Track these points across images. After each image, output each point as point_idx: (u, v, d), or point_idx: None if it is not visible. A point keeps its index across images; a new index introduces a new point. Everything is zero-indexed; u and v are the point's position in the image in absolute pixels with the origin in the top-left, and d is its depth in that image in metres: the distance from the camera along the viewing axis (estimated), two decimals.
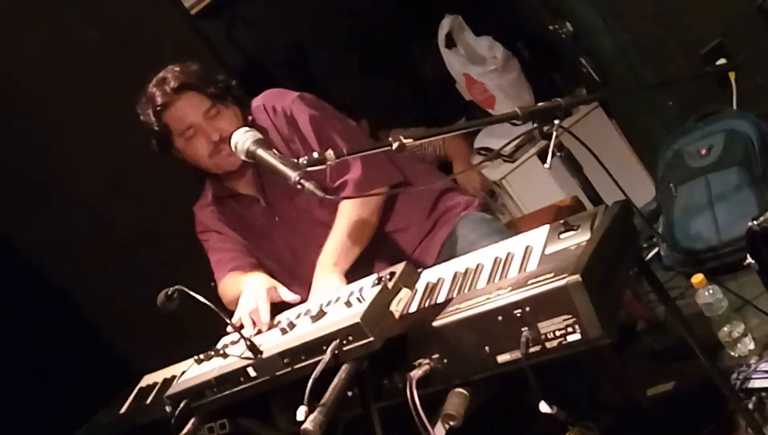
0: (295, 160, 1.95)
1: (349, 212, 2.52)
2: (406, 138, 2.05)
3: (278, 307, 2.32)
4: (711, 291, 2.77)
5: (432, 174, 2.89)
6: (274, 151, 2.03)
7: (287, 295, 2.35)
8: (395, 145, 2.01)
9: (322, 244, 2.53)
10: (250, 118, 2.63)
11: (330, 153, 1.99)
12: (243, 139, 2.05)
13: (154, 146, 2.59)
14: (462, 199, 2.73)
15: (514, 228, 2.85)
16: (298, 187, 1.92)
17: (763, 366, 2.57)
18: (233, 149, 2.07)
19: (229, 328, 2.13)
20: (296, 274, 2.66)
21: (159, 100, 2.51)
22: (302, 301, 2.32)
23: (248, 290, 2.37)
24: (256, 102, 2.68)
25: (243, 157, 2.06)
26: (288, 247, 2.68)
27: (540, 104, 2.12)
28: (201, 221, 2.80)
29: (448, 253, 2.56)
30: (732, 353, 2.72)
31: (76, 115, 3.46)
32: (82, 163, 3.51)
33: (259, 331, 2.19)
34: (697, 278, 2.80)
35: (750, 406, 2.42)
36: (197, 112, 2.51)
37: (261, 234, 2.70)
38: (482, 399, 1.96)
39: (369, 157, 2.46)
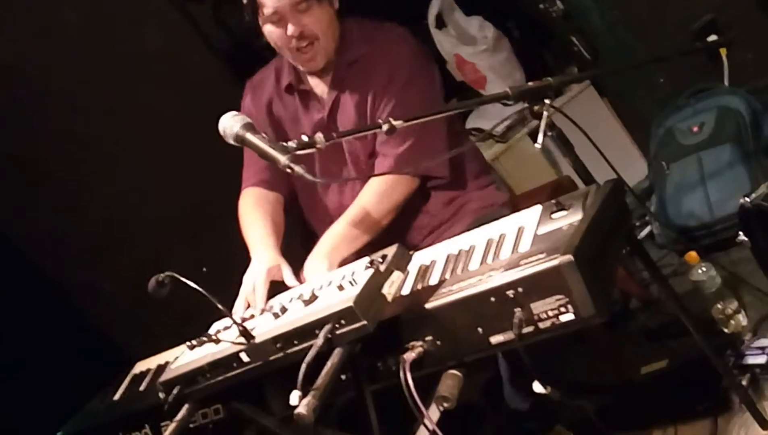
0: (284, 144, 1.95)
1: (368, 199, 2.48)
2: (396, 119, 2.04)
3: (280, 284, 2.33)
4: (704, 268, 2.77)
5: (482, 174, 2.80)
6: (263, 134, 2.01)
7: (288, 277, 2.32)
8: (385, 127, 2.00)
9: (343, 197, 2.55)
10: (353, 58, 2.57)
11: (320, 135, 1.98)
12: (231, 123, 2.03)
13: (247, 15, 2.51)
14: (486, 200, 2.69)
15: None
16: (288, 171, 1.91)
17: (757, 342, 2.57)
18: (222, 133, 2.05)
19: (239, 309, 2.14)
20: (314, 203, 2.69)
21: None
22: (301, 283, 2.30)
23: (250, 270, 2.35)
24: (369, 30, 2.61)
25: (231, 141, 2.04)
26: (318, 173, 2.65)
27: (530, 84, 2.11)
28: (251, 104, 2.73)
29: None
30: (725, 330, 2.73)
31: (59, 100, 3.42)
32: (68, 150, 3.48)
33: (252, 316, 2.18)
34: (690, 256, 2.80)
35: (744, 382, 2.43)
36: (286, 0, 2.42)
37: None
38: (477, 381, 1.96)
39: (423, 138, 2.44)
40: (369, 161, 2.61)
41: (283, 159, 1.92)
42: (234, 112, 2.06)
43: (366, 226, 2.45)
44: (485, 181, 2.75)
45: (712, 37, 3.42)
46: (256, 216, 2.61)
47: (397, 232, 2.59)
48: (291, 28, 2.43)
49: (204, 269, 3.00)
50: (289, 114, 2.68)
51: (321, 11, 2.47)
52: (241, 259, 2.48)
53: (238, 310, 2.24)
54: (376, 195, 2.49)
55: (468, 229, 2.28)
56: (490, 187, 2.75)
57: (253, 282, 2.28)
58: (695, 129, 3.38)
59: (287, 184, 2.72)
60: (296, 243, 2.73)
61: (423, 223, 2.66)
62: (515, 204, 2.70)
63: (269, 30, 2.48)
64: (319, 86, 2.63)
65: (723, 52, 3.39)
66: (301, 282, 2.31)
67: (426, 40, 4.24)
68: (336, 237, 2.42)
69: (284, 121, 2.70)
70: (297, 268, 2.37)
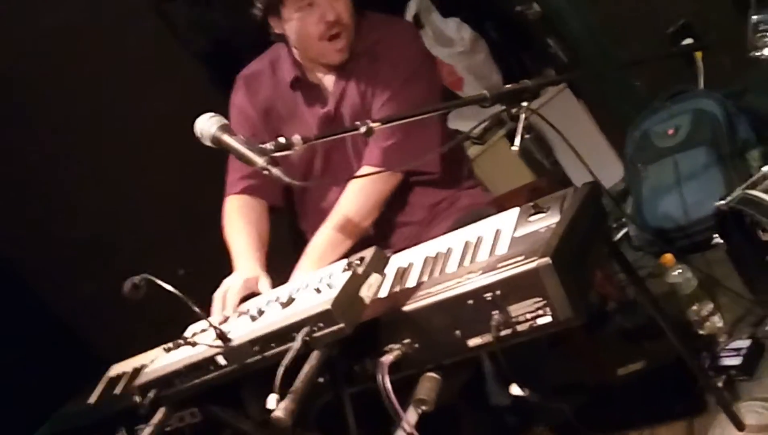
0: (262, 146, 1.93)
1: (349, 201, 2.46)
2: (374, 121, 2.03)
3: None
4: (680, 270, 2.79)
5: (470, 176, 2.79)
6: (239, 136, 1.99)
7: (265, 288, 2.29)
8: (363, 130, 1.99)
9: (331, 196, 2.50)
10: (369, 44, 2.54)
11: (297, 137, 1.97)
12: (207, 125, 1.99)
13: (258, 9, 2.46)
14: (475, 198, 2.68)
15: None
16: (265, 172, 1.90)
17: (732, 344, 2.59)
18: (198, 135, 2.02)
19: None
20: (310, 203, 2.67)
21: None
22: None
23: (228, 280, 2.33)
24: (378, 22, 2.58)
25: (208, 143, 2.01)
26: (320, 168, 2.63)
27: (507, 86, 2.11)
28: (244, 100, 2.67)
29: None
30: (701, 332, 2.74)
31: (37, 103, 3.40)
32: (48, 156, 3.45)
33: (227, 318, 2.17)
34: (666, 258, 2.82)
35: (720, 384, 2.44)
36: None
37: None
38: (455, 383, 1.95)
39: (414, 133, 2.40)
40: None
41: (260, 161, 1.90)
42: (210, 114, 2.03)
43: (350, 228, 2.43)
44: (473, 182, 2.76)
45: (688, 41, 3.44)
46: (240, 225, 2.57)
47: (390, 229, 2.59)
48: (330, 14, 2.40)
49: (181, 272, 2.97)
50: (289, 110, 2.64)
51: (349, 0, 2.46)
52: (220, 262, 2.47)
53: (213, 316, 2.21)
54: (357, 195, 2.47)
55: (455, 224, 2.28)
56: (477, 188, 2.76)
57: (226, 292, 2.26)
58: (671, 132, 3.40)
59: (274, 189, 2.67)
60: (287, 246, 2.71)
61: (415, 219, 2.64)
62: (500, 205, 2.71)
63: (298, 18, 2.43)
64: (325, 79, 2.60)
65: (699, 55, 3.41)
66: None
67: None
68: (322, 244, 2.41)
69: (283, 118, 2.64)
70: (287, 273, 2.35)
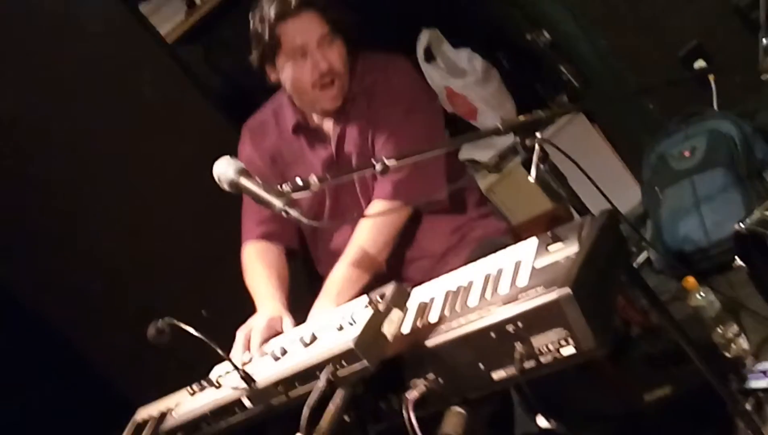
0: (280, 188, 1.94)
1: (363, 236, 2.47)
2: (396, 150, 2.04)
3: None
4: (703, 293, 2.77)
5: (481, 204, 2.80)
6: (257, 179, 2.00)
7: (289, 328, 2.29)
8: (379, 168, 2.00)
9: (343, 237, 2.51)
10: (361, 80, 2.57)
11: (313, 177, 1.98)
12: (225, 169, 2.01)
13: (254, 59, 2.51)
14: (489, 228, 2.68)
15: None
16: (284, 214, 1.90)
17: (759, 366, 2.57)
18: (217, 180, 2.04)
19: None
20: (322, 244, 2.69)
21: (277, 11, 2.40)
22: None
23: (251, 319, 2.34)
24: (372, 61, 2.60)
25: (226, 187, 2.02)
26: (329, 209, 2.64)
27: (521, 118, 2.11)
28: (251, 150, 2.71)
29: None
30: (727, 354, 2.72)
31: (52, 149, 3.43)
32: (66, 200, 3.48)
33: (251, 359, 2.17)
34: (689, 281, 2.80)
35: (748, 407, 2.42)
36: (313, 34, 2.42)
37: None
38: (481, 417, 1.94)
39: (422, 164, 2.39)
40: None
41: (278, 203, 1.91)
42: (227, 157, 2.05)
43: (366, 264, 2.44)
44: (485, 211, 2.76)
45: (700, 62, 3.45)
46: (260, 268, 2.60)
47: (404, 263, 2.60)
48: (322, 63, 2.43)
49: (204, 313, 2.97)
50: (295, 156, 2.67)
51: (341, 46, 2.48)
52: (242, 302, 2.48)
53: (236, 356, 2.22)
54: (370, 229, 2.48)
55: (472, 255, 2.27)
56: (490, 217, 2.76)
57: (249, 331, 2.26)
58: (687, 153, 3.40)
59: (290, 232, 2.70)
60: (303, 288, 2.72)
61: (428, 252, 2.64)
62: (516, 233, 2.71)
63: (291, 68, 2.47)
64: (325, 122, 2.62)
65: (712, 77, 3.41)
66: None
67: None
68: (339, 281, 2.41)
69: (288, 163, 2.68)
70: (304, 314, 2.36)
